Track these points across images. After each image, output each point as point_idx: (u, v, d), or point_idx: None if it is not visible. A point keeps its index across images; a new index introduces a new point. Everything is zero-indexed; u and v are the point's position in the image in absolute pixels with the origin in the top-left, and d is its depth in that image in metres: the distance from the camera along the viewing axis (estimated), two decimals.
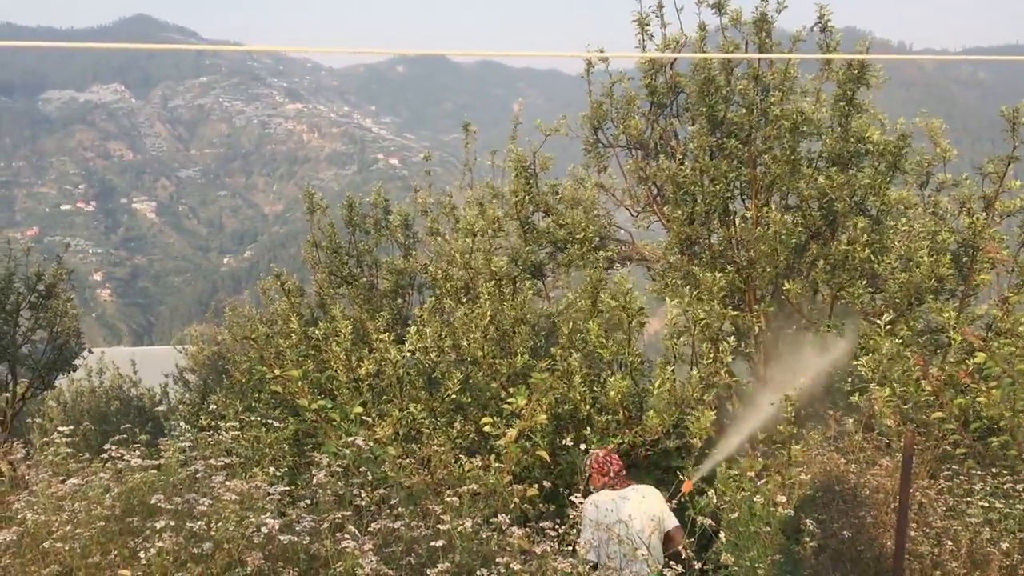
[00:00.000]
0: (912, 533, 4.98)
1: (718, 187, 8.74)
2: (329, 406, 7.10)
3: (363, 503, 4.64)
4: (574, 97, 11.65)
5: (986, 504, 5.31)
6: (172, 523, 3.92)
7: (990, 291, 8.33)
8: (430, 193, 11.13)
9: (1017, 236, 8.21)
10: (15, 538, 4.04)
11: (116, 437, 4.89)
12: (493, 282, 8.37)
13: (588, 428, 7.11)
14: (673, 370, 6.83)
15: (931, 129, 8.81)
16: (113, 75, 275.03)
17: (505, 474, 5.83)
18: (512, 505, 5.20)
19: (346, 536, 3.92)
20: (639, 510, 5.54)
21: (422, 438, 7.05)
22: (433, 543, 4.14)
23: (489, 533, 4.33)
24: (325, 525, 4.16)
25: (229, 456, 5.07)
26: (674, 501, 5.49)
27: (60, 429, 4.93)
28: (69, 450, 4.87)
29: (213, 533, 3.90)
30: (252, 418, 7.32)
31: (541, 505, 5.45)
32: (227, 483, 4.25)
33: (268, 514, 4.12)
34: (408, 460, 5.90)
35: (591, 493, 5.79)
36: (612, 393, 6.91)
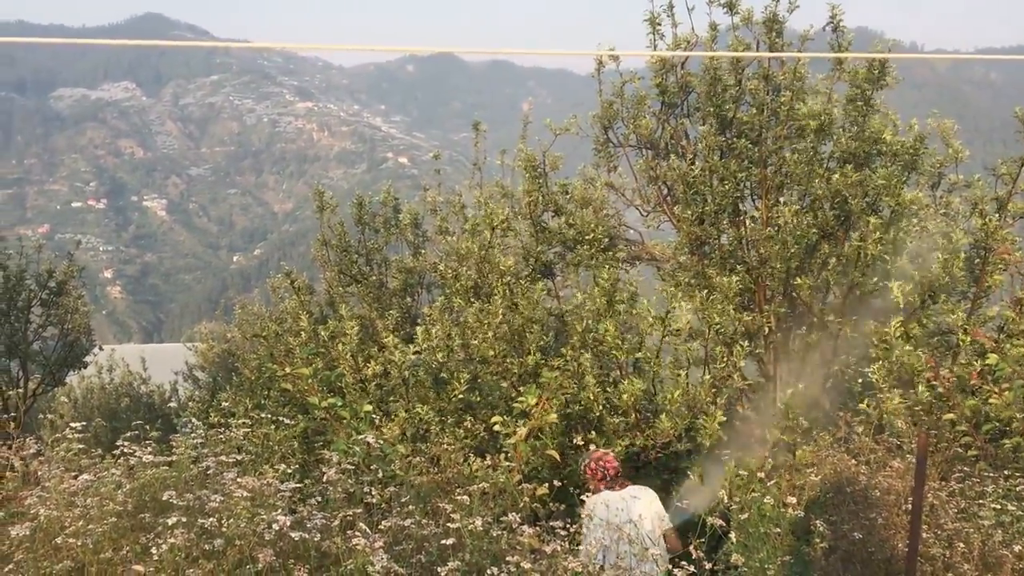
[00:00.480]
0: (923, 535, 4.96)
1: (728, 187, 8.72)
2: (339, 404, 7.11)
3: (373, 501, 4.65)
4: (584, 97, 11.64)
5: (998, 507, 5.28)
6: (184, 519, 3.93)
7: (1002, 292, 8.29)
8: (439, 192, 11.13)
9: None
10: (28, 533, 4.07)
11: (128, 433, 4.92)
12: (506, 280, 8.36)
13: (599, 429, 7.10)
14: (687, 374, 6.81)
15: (943, 130, 8.77)
16: (124, 73, 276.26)
17: (515, 473, 5.83)
18: (522, 504, 5.20)
19: (357, 534, 3.92)
20: (649, 510, 5.54)
21: (431, 437, 7.05)
22: (443, 541, 4.14)
23: (499, 532, 4.33)
24: (336, 522, 4.17)
25: (239, 453, 5.08)
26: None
27: (72, 425, 4.95)
28: (81, 446, 4.90)
29: (224, 530, 3.91)
30: (262, 415, 7.34)
31: (551, 504, 5.44)
32: (239, 480, 4.27)
33: (279, 511, 4.14)
34: (417, 459, 5.91)
35: (592, 494, 5.80)
36: (625, 396, 6.90)
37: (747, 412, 8.08)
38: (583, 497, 5.33)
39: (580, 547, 4.72)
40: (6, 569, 4.13)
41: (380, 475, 5.12)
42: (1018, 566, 4.90)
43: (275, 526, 3.92)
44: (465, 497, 4.48)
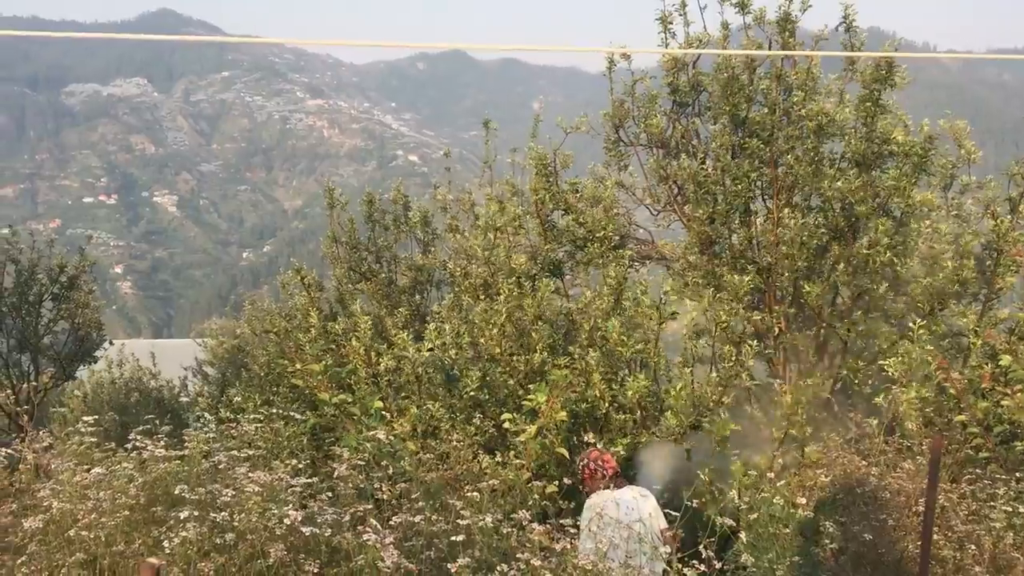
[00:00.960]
0: (934, 537, 4.95)
1: (739, 187, 8.70)
2: (349, 400, 7.13)
3: (383, 497, 4.66)
4: (594, 95, 11.63)
5: (1010, 509, 5.26)
6: (196, 513, 3.95)
7: (1014, 294, 8.26)
8: (449, 190, 11.14)
9: None
10: (41, 526, 4.09)
11: (140, 428, 4.94)
12: (513, 279, 8.37)
13: (606, 426, 7.11)
14: (692, 372, 6.80)
15: (956, 130, 8.73)
16: (136, 69, 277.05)
17: (525, 471, 5.84)
18: (531, 501, 5.21)
19: (367, 529, 3.94)
20: (658, 509, 5.54)
21: (440, 434, 7.07)
22: (453, 538, 4.15)
23: (509, 529, 4.34)
24: (347, 518, 4.18)
25: (249, 448, 5.10)
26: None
27: (84, 419, 4.98)
28: (93, 440, 4.92)
29: (236, 524, 3.93)
30: (271, 411, 7.36)
31: (561, 502, 5.45)
32: (250, 475, 4.29)
33: (290, 506, 4.15)
34: (427, 455, 5.92)
35: (590, 493, 5.78)
36: (630, 393, 6.90)
37: (755, 412, 8.07)
38: (593, 494, 5.33)
39: (587, 545, 4.71)
40: (19, 561, 4.16)
41: (390, 471, 5.13)
42: None
43: (286, 521, 3.94)
44: (475, 494, 4.48)
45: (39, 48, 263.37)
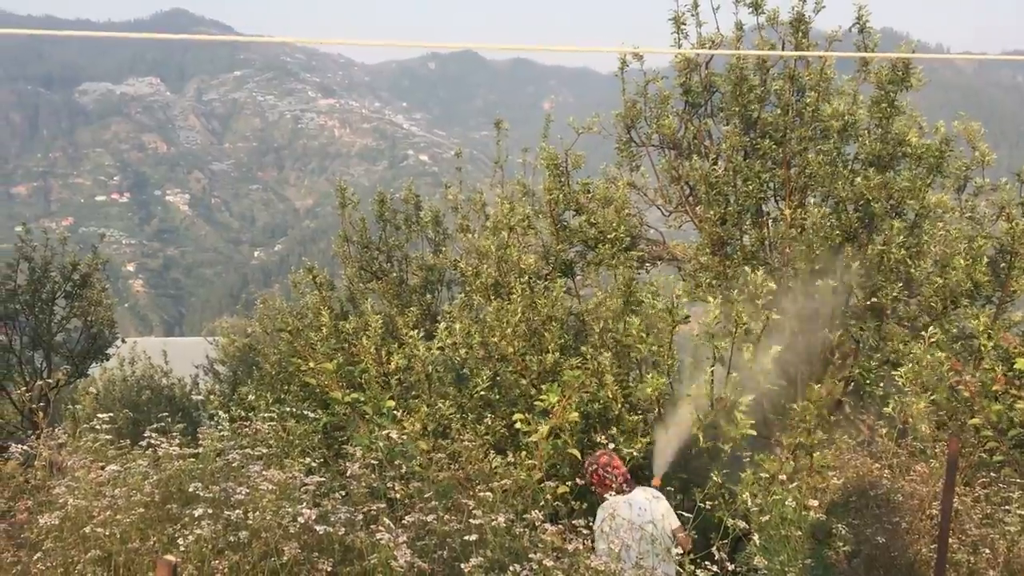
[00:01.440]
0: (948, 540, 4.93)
1: (751, 188, 8.69)
2: (361, 399, 7.14)
3: (396, 496, 4.67)
4: (605, 96, 11.62)
5: None
6: (210, 511, 3.97)
7: None
8: (461, 190, 11.14)
9: None
10: (57, 522, 4.12)
11: (154, 425, 4.97)
12: (525, 279, 8.37)
13: (618, 427, 7.09)
14: (712, 371, 6.77)
15: (970, 132, 8.70)
16: (149, 68, 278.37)
17: (537, 471, 5.84)
18: (543, 502, 5.21)
19: (380, 528, 3.95)
20: (670, 510, 5.54)
21: (451, 433, 7.08)
22: (466, 537, 4.15)
23: (522, 529, 4.34)
24: (359, 517, 4.19)
25: (263, 446, 5.12)
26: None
27: (100, 416, 5.01)
28: (108, 437, 4.95)
29: (250, 522, 3.94)
30: (283, 410, 7.39)
31: (573, 502, 5.45)
32: (264, 473, 4.30)
33: (304, 504, 4.17)
34: (439, 455, 5.92)
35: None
36: (649, 390, 6.87)
37: (768, 414, 8.05)
38: (607, 495, 5.32)
39: (600, 546, 4.71)
40: (35, 557, 4.19)
41: (403, 470, 5.14)
42: None
43: (300, 519, 3.95)
44: (488, 494, 4.49)
45: (53, 47, 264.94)
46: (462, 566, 3.86)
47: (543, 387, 6.95)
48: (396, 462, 5.19)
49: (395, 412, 6.96)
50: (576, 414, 6.54)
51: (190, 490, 4.21)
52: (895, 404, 6.55)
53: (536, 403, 6.84)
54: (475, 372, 7.76)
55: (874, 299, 8.02)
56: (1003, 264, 8.12)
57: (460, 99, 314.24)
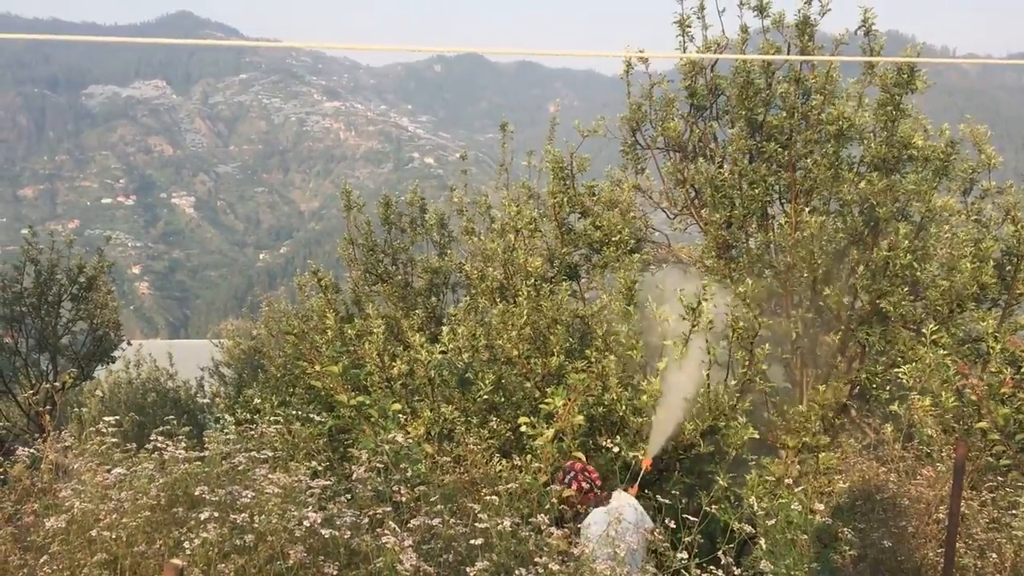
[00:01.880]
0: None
1: (757, 191, 8.68)
2: (367, 402, 7.14)
3: (401, 500, 4.67)
4: (610, 98, 11.63)
5: None
6: (216, 514, 3.97)
7: None
8: (466, 192, 11.14)
9: None
10: (63, 525, 4.12)
11: (160, 428, 4.97)
12: (531, 282, 8.36)
13: (622, 430, 7.09)
14: (708, 375, 6.76)
15: (976, 135, 8.68)
16: (155, 71, 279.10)
17: (542, 475, 5.83)
18: (548, 505, 5.20)
19: (386, 532, 3.94)
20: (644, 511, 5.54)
21: (455, 436, 7.07)
22: (472, 541, 4.15)
23: (527, 533, 4.33)
24: (365, 520, 4.19)
25: (269, 449, 5.12)
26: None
27: (106, 419, 5.01)
28: (114, 440, 4.95)
29: (256, 525, 3.95)
30: (288, 412, 7.39)
31: (579, 506, 5.44)
32: (270, 476, 4.30)
33: (309, 508, 4.17)
34: (444, 459, 5.92)
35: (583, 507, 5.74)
36: (645, 397, 6.88)
37: (772, 417, 8.04)
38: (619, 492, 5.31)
39: (604, 551, 4.69)
40: (41, 560, 4.20)
41: (408, 474, 5.14)
42: None
43: (306, 523, 3.95)
44: (493, 497, 4.48)
45: (59, 50, 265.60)
46: (468, 570, 3.86)
47: (548, 390, 6.95)
48: (402, 465, 5.18)
49: (400, 416, 6.96)
50: (581, 417, 6.53)
51: (196, 493, 4.21)
52: (901, 404, 6.54)
53: (541, 406, 6.84)
54: (480, 375, 7.75)
55: (880, 302, 8.00)
56: (1009, 267, 8.10)
57: (465, 102, 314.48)
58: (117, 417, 5.15)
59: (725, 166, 9.09)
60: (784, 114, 8.77)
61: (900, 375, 6.77)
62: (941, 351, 6.82)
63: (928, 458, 5.98)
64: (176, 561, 2.97)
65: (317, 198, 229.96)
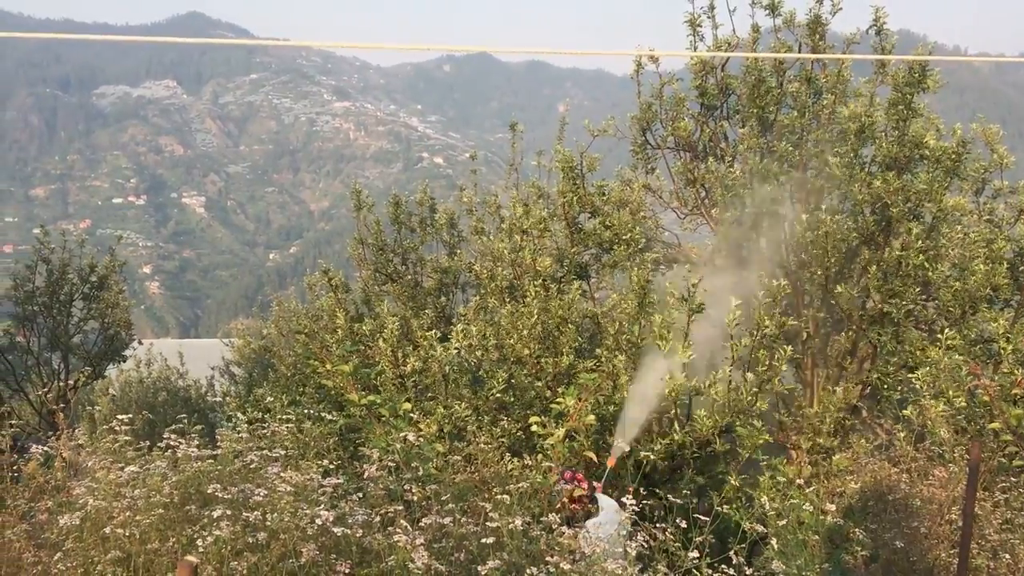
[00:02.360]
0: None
1: (768, 190, 8.66)
2: (378, 402, 7.15)
3: (413, 498, 4.67)
4: (620, 98, 11.62)
5: None
6: (228, 512, 3.98)
7: None
8: (475, 192, 11.14)
9: None
10: (77, 523, 4.14)
11: (173, 427, 4.99)
12: (540, 281, 8.36)
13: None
14: (730, 371, 6.74)
15: (988, 135, 8.65)
16: (166, 71, 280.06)
17: (553, 474, 5.83)
18: (559, 505, 5.20)
19: (398, 530, 3.95)
20: None
21: (467, 435, 7.07)
22: (483, 540, 4.15)
23: (538, 532, 4.33)
24: (376, 519, 4.20)
25: (281, 448, 5.13)
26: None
27: (119, 417, 5.03)
28: (127, 438, 4.98)
29: (268, 523, 3.96)
30: (298, 411, 7.40)
31: (590, 506, 5.44)
32: (282, 474, 4.32)
33: (321, 506, 4.18)
34: (455, 457, 5.93)
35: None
36: (666, 391, 6.85)
37: (783, 418, 8.02)
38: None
39: (616, 549, 4.70)
40: (56, 557, 4.22)
41: (420, 473, 5.14)
42: None
43: (318, 521, 3.96)
44: (505, 496, 4.49)
45: (71, 50, 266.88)
46: (479, 568, 3.87)
47: (559, 390, 6.94)
48: (413, 464, 5.19)
49: (411, 414, 6.96)
50: (593, 417, 6.53)
51: (209, 491, 4.22)
52: (913, 408, 6.51)
53: (552, 406, 6.83)
54: (490, 375, 7.75)
55: (891, 303, 7.98)
56: (1022, 267, 8.06)
57: (475, 102, 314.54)
58: (130, 416, 5.17)
59: (736, 165, 9.07)
60: (795, 113, 8.74)
61: (913, 379, 6.74)
62: (957, 356, 6.78)
63: (940, 459, 5.96)
64: (190, 558, 2.99)
65: (327, 198, 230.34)
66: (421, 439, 5.87)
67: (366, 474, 4.64)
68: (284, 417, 5.84)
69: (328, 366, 7.44)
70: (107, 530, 4.06)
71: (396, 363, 7.72)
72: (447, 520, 4.30)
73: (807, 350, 8.59)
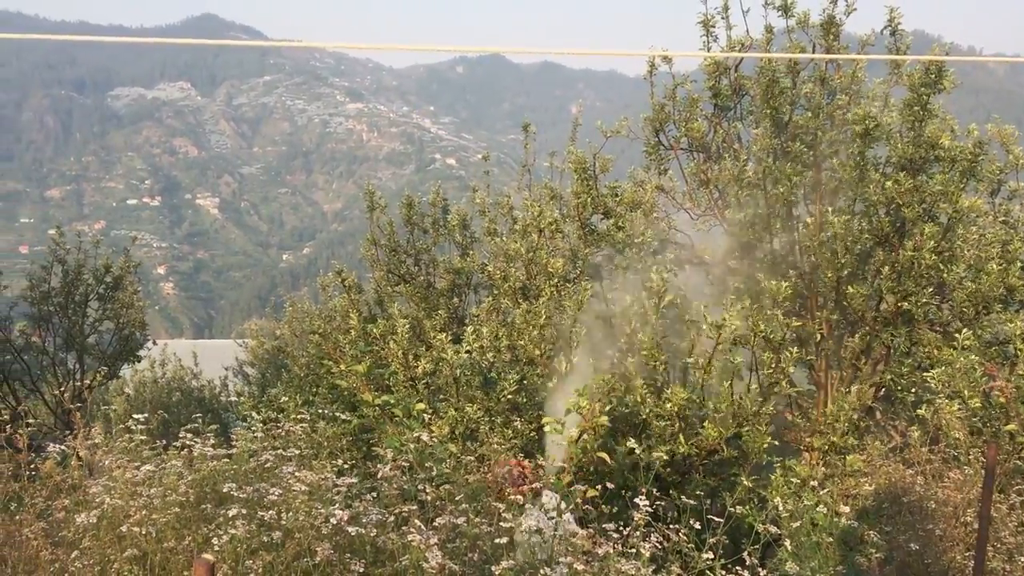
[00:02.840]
0: None
1: (782, 191, 8.63)
2: (392, 402, 7.17)
3: (427, 498, 4.69)
4: (633, 99, 11.63)
5: None
6: (244, 511, 4.01)
7: None
8: (488, 193, 11.16)
9: None
10: (94, 521, 4.18)
11: (188, 426, 5.02)
12: (553, 282, 8.37)
13: (645, 432, 7.07)
14: (731, 384, 6.73)
15: (1004, 136, 8.60)
16: (180, 73, 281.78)
17: (566, 474, 5.83)
18: (573, 505, 5.20)
19: (412, 530, 3.97)
20: None
21: (479, 436, 7.08)
22: (497, 540, 4.16)
23: (551, 532, 4.34)
24: (391, 519, 4.22)
25: (295, 448, 5.16)
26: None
27: (136, 416, 5.07)
28: (143, 437, 5.01)
29: (283, 522, 3.98)
30: (312, 412, 7.44)
31: (603, 506, 5.43)
32: (296, 474, 4.34)
33: (336, 505, 4.20)
34: (468, 458, 5.94)
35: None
36: (669, 405, 6.86)
37: (796, 419, 7.99)
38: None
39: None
40: (73, 556, 4.26)
41: (434, 473, 5.16)
42: None
43: (332, 520, 3.98)
44: (518, 497, 4.50)
45: (86, 52, 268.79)
46: (493, 569, 3.88)
47: (573, 390, 6.94)
48: (427, 464, 5.20)
49: (424, 415, 6.98)
50: (605, 418, 6.52)
51: (224, 490, 4.25)
52: (927, 409, 6.49)
53: (566, 406, 6.83)
54: (502, 375, 7.77)
55: (904, 304, 7.94)
56: None
57: (488, 103, 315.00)
58: (145, 415, 5.21)
59: (749, 166, 9.04)
60: (809, 114, 8.71)
61: (928, 380, 6.71)
62: (972, 356, 6.75)
63: (955, 461, 5.93)
64: (207, 556, 3.01)
65: (340, 199, 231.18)
66: (434, 439, 5.88)
67: (380, 474, 4.66)
68: (298, 417, 5.86)
69: (343, 366, 7.46)
70: (123, 528, 4.10)
71: (407, 365, 7.74)
72: (461, 520, 4.32)
73: (820, 352, 8.55)
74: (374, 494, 4.70)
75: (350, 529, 3.97)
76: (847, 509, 5.16)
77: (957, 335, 7.16)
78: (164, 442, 5.24)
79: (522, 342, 7.98)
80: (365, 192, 11.93)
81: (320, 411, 7.20)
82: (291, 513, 4.05)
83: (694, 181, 9.71)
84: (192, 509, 4.27)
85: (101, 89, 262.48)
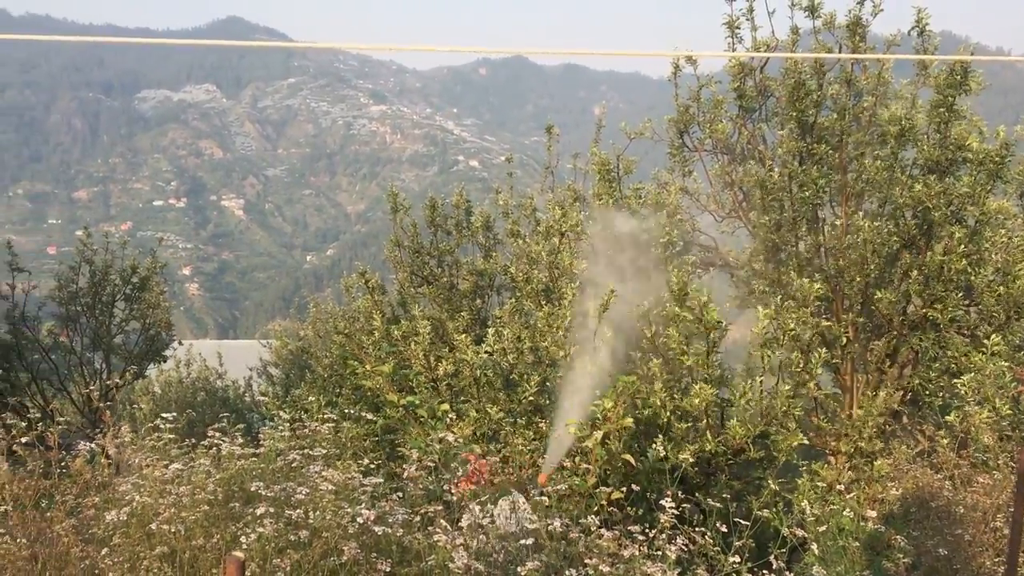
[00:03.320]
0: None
1: (807, 193, 8.58)
2: (416, 403, 7.20)
3: (452, 498, 4.71)
4: (657, 101, 11.63)
5: None
6: (271, 510, 4.05)
7: None
8: (511, 195, 11.15)
9: None
10: (124, 519, 4.23)
11: (216, 425, 5.07)
12: (576, 284, 8.36)
13: (667, 434, 7.05)
14: (762, 381, 6.69)
15: None
16: (206, 75, 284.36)
17: (591, 476, 5.83)
18: (597, 507, 5.21)
19: (437, 530, 3.99)
20: None
21: (501, 437, 7.10)
22: (522, 541, 4.17)
23: (577, 534, 4.34)
24: (417, 518, 4.24)
25: (322, 447, 5.20)
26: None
27: (164, 415, 5.13)
28: (171, 436, 5.07)
29: (311, 521, 4.01)
30: (336, 411, 7.48)
31: (628, 508, 5.43)
32: (323, 473, 4.37)
33: (363, 505, 4.22)
34: (492, 459, 5.95)
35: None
36: (696, 401, 6.83)
37: (822, 423, 7.94)
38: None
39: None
40: (103, 553, 4.31)
41: (460, 473, 5.18)
42: None
43: (359, 520, 4.01)
44: (544, 498, 4.51)
45: (114, 55, 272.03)
46: (518, 569, 3.88)
47: (597, 392, 6.93)
48: (452, 465, 5.22)
49: (448, 416, 7.00)
50: (630, 420, 6.51)
51: (252, 489, 4.29)
52: (956, 414, 6.42)
53: (591, 408, 6.83)
54: (524, 377, 7.77)
55: (934, 308, 7.87)
56: None
57: (511, 105, 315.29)
58: (174, 414, 5.27)
59: (775, 168, 9.00)
60: (835, 115, 8.65)
61: (958, 386, 6.64)
62: (1002, 362, 6.67)
63: (984, 466, 5.87)
64: (238, 554, 3.04)
65: (363, 201, 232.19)
66: (459, 440, 5.90)
67: (406, 474, 4.69)
68: (324, 417, 5.90)
69: (368, 367, 7.50)
70: (153, 526, 4.15)
71: (429, 367, 7.76)
72: (486, 521, 4.33)
73: (846, 355, 8.49)
74: (400, 494, 4.72)
75: (376, 529, 4.00)
76: (874, 513, 5.12)
77: (986, 340, 7.09)
78: (191, 441, 5.29)
79: (544, 344, 7.97)
80: (388, 194, 11.96)
81: (344, 411, 7.24)
82: (318, 512, 4.08)
83: (718, 183, 9.68)
84: (220, 507, 4.32)
85: (128, 91, 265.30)
